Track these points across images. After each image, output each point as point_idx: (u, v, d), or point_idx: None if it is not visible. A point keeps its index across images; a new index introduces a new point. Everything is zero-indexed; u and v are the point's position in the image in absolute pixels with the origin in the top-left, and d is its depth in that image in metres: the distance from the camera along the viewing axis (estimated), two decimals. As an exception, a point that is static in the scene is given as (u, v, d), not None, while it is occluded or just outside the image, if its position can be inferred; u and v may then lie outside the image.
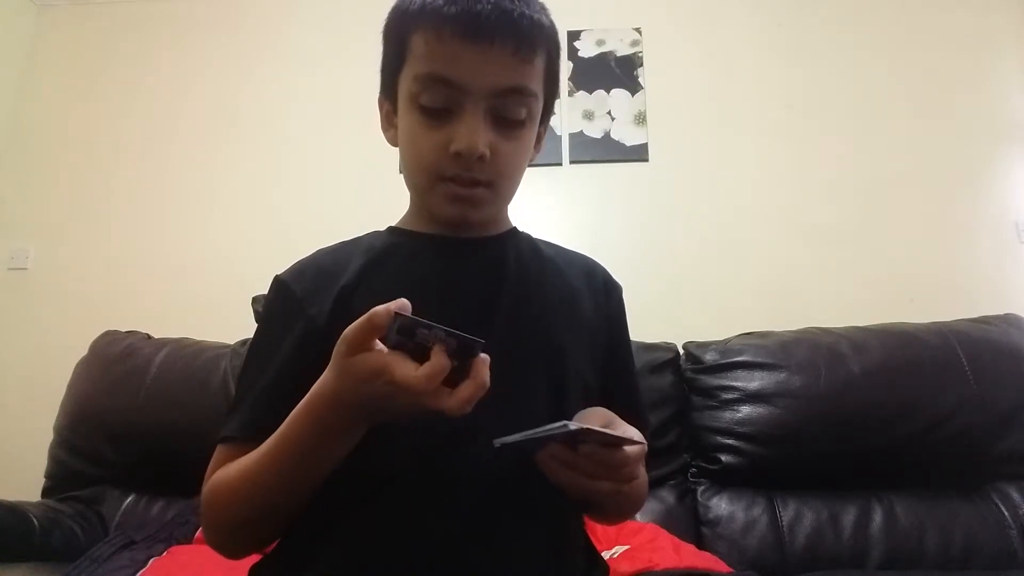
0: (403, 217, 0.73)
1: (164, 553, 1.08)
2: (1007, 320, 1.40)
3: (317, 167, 2.09)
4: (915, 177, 1.92)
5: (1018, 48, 2.00)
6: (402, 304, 0.45)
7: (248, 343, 0.69)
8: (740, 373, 1.36)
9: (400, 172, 0.70)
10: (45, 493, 1.41)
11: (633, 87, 2.03)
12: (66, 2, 2.29)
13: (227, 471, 0.56)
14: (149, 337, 1.56)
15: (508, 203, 0.69)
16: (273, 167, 2.10)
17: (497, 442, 0.48)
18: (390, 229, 0.72)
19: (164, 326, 1.60)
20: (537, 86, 0.63)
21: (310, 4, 2.23)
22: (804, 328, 1.44)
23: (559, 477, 0.51)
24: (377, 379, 0.45)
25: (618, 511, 0.70)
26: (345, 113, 2.11)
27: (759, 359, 1.36)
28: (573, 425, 0.46)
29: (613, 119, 2.01)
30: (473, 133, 0.59)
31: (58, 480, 1.41)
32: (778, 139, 1.99)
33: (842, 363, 1.32)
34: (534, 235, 0.75)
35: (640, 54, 2.06)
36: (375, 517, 0.55)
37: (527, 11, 0.60)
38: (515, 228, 0.74)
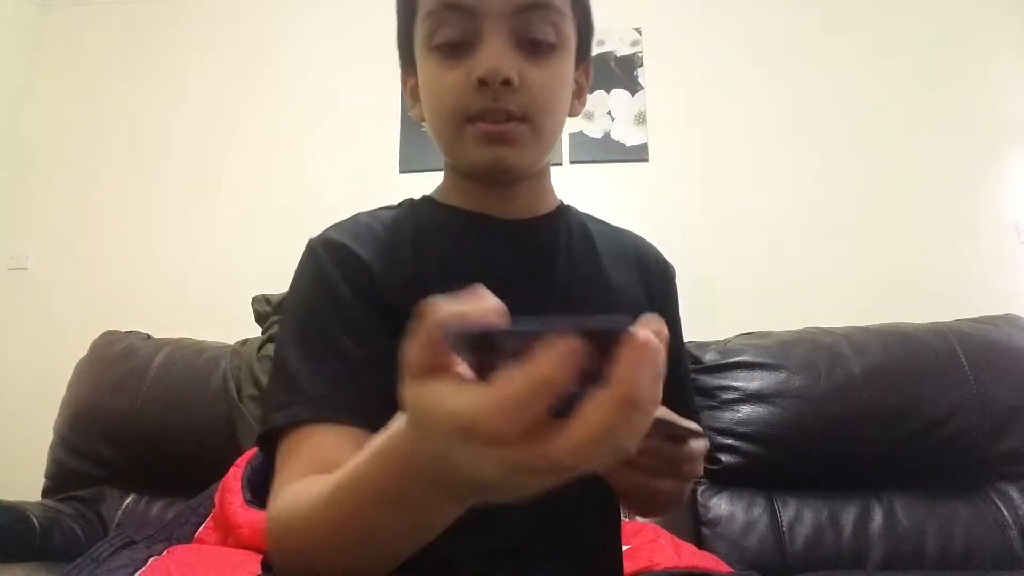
0: (438, 190, 0.66)
1: (164, 552, 1.08)
2: (1007, 320, 1.40)
3: (317, 167, 2.09)
4: (915, 177, 1.92)
5: (1018, 48, 2.00)
6: (466, 313, 0.28)
7: (290, 309, 0.57)
8: (740, 373, 1.36)
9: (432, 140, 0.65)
10: (45, 493, 1.41)
11: (633, 87, 2.03)
12: (66, 2, 2.29)
13: (304, 492, 0.44)
14: (149, 337, 1.56)
15: (550, 149, 0.61)
16: (273, 167, 2.10)
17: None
18: (429, 200, 0.65)
19: (164, 326, 1.60)
20: (563, 2, 0.57)
21: (311, 4, 2.23)
22: (804, 328, 1.44)
23: (621, 477, 0.46)
24: (441, 421, 0.27)
25: (666, 509, 0.62)
26: (345, 113, 2.11)
27: (759, 359, 1.36)
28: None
29: (613, 119, 2.01)
30: (495, 55, 0.53)
31: (58, 480, 1.41)
32: (778, 139, 1.99)
33: (842, 363, 1.32)
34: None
35: (640, 54, 2.06)
36: None
37: None
38: (563, 205, 0.67)
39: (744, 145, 1.99)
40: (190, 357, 1.46)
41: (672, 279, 0.70)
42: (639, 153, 1.99)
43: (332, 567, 0.41)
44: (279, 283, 1.54)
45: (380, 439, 0.35)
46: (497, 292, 0.58)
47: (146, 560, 1.02)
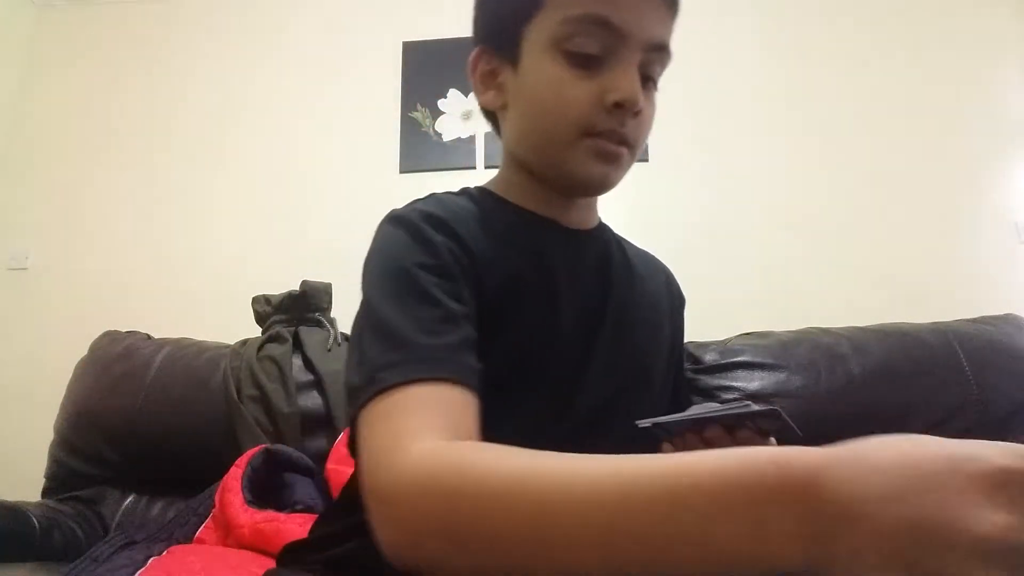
0: (501, 186, 0.65)
1: (164, 552, 1.08)
2: (1007, 320, 1.40)
3: (317, 167, 2.09)
4: (915, 177, 1.92)
5: (1018, 49, 2.00)
6: None
7: (383, 272, 0.52)
8: (740, 373, 1.36)
9: (498, 135, 0.65)
10: (45, 493, 1.41)
11: (633, 87, 2.03)
12: (66, 2, 2.29)
13: (510, 463, 0.35)
14: (149, 337, 1.55)
15: None
16: (273, 167, 2.10)
17: (646, 422, 0.42)
18: (494, 195, 0.64)
19: (164, 326, 1.60)
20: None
21: (309, 5, 2.23)
22: (804, 328, 1.44)
23: None
24: None
25: None
26: (345, 113, 2.11)
27: (759, 359, 1.36)
28: (757, 405, 0.41)
29: (613, 119, 2.01)
30: (635, 83, 0.54)
31: (58, 480, 1.41)
32: (778, 139, 1.99)
33: (842, 363, 1.32)
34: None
35: (640, 54, 2.06)
36: None
37: None
38: (602, 222, 0.70)
39: (744, 145, 1.99)
40: (190, 357, 1.46)
41: (683, 307, 0.76)
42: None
43: (523, 561, 0.32)
44: (279, 283, 1.55)
45: (770, 461, 0.28)
46: (574, 293, 0.59)
47: (146, 560, 1.02)
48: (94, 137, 2.17)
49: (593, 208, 0.68)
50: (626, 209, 2.01)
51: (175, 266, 2.03)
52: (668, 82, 2.23)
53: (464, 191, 0.64)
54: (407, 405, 0.41)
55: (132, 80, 2.21)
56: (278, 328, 1.45)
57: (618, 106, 0.54)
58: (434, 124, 2.06)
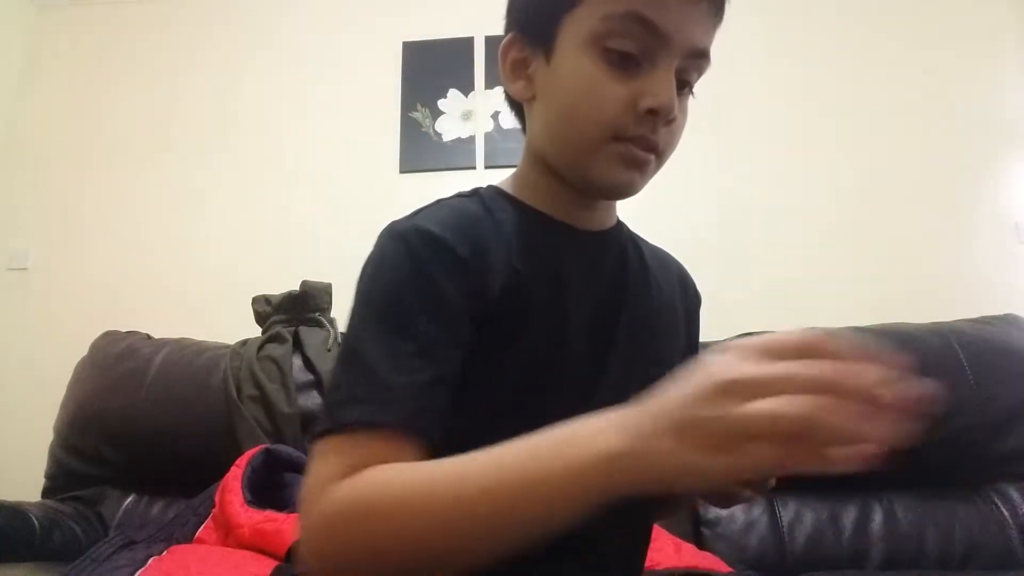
0: (516, 187, 0.63)
1: (164, 552, 1.08)
2: (1007, 320, 1.40)
3: (317, 167, 2.09)
4: (915, 177, 1.92)
5: (1018, 48, 2.00)
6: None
7: (374, 299, 0.51)
8: (740, 373, 1.36)
9: (523, 131, 0.63)
10: (45, 493, 1.41)
11: (633, 87, 2.03)
12: (66, 2, 2.29)
13: (398, 480, 0.42)
14: (149, 337, 1.56)
15: None
16: (272, 167, 2.10)
17: None
18: (509, 197, 0.61)
19: (164, 326, 1.60)
20: None
21: (309, 5, 2.23)
22: (804, 328, 1.44)
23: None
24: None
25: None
26: (345, 113, 2.11)
27: (759, 359, 1.36)
28: None
29: (613, 119, 2.01)
30: (670, 90, 0.52)
31: (58, 480, 1.41)
32: (778, 139, 1.99)
33: (842, 363, 1.32)
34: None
35: (640, 54, 2.06)
36: None
37: None
38: (619, 220, 0.68)
39: (744, 145, 1.99)
40: (190, 357, 1.46)
41: (699, 307, 0.73)
42: (639, 153, 1.99)
43: (423, 555, 0.40)
44: (279, 283, 1.55)
45: (585, 429, 0.40)
46: (586, 306, 0.58)
47: (146, 560, 1.02)
48: (94, 137, 2.17)
49: (612, 208, 0.66)
50: (626, 209, 2.01)
51: (175, 266, 2.04)
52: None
53: (475, 192, 0.62)
54: (349, 450, 0.44)
55: (132, 80, 2.21)
56: (278, 328, 1.45)
57: (651, 113, 0.52)
58: (434, 124, 2.07)
